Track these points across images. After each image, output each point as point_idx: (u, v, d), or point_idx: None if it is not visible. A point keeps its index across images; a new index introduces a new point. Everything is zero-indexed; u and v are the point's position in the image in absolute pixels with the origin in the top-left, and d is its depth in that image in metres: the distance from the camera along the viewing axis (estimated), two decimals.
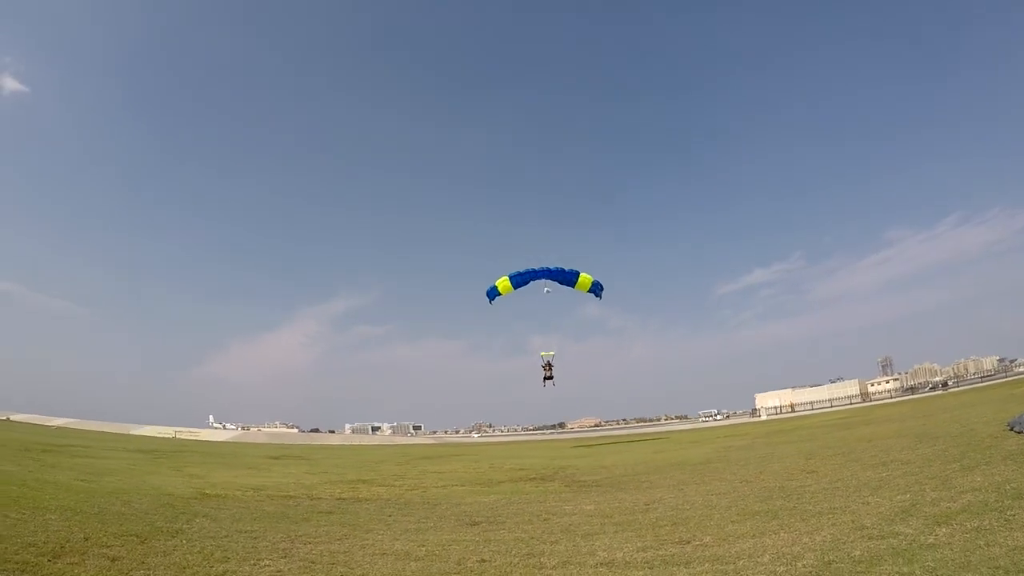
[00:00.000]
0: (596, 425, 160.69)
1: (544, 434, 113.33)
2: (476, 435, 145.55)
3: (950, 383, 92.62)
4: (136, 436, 62.83)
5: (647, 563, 6.89)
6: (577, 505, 12.58)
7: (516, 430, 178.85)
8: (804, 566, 6.17)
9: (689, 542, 7.95)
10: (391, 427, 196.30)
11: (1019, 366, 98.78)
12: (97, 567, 6.68)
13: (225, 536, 9.00)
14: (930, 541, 6.52)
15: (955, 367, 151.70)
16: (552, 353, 34.55)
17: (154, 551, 7.66)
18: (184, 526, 9.67)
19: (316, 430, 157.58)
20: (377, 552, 8.12)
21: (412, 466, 28.23)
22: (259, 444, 63.20)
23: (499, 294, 34.25)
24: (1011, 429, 14.90)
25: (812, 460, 17.12)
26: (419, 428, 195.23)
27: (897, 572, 5.61)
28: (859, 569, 5.83)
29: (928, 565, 5.69)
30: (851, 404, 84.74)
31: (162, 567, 6.89)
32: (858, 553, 6.41)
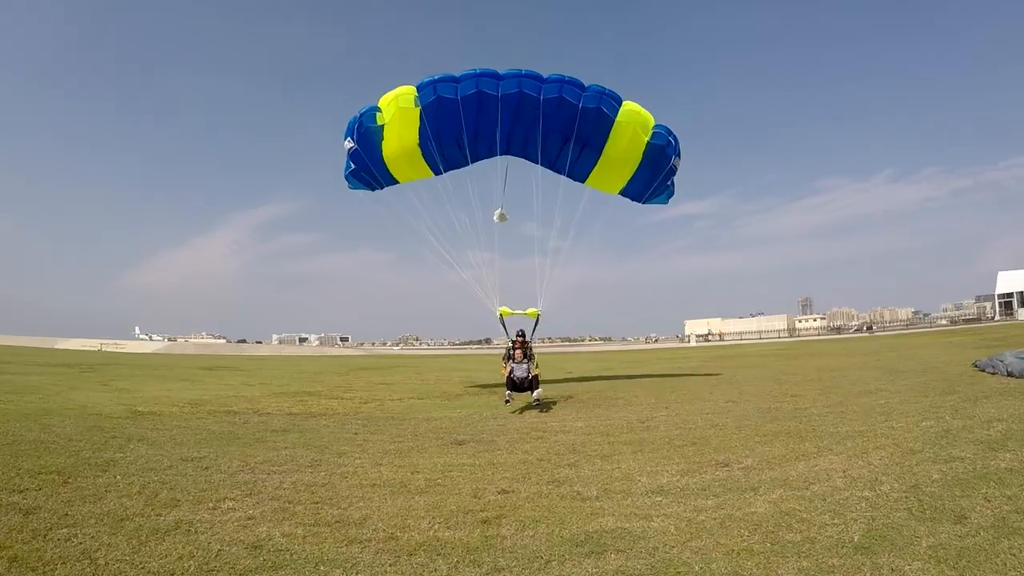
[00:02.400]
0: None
1: (472, 348, 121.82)
2: (397, 347, 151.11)
3: (874, 327, 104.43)
4: (60, 350, 63.13)
5: (704, 490, 6.65)
6: (564, 422, 12.47)
7: (443, 344, 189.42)
8: (891, 490, 6.19)
9: (728, 465, 7.88)
10: (318, 338, 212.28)
11: (940, 319, 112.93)
12: (6, 527, 5.23)
13: (168, 467, 7.93)
14: (1004, 466, 6.78)
15: (872, 313, 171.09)
16: (535, 313, 16.15)
17: (81, 495, 6.37)
18: (116, 455, 8.56)
19: (243, 341, 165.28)
20: (365, 483, 7.31)
21: (355, 377, 28.59)
22: (189, 355, 64.41)
23: (383, 166, 15.88)
24: (982, 370, 16.30)
25: (784, 385, 18.20)
26: (346, 340, 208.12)
27: (1003, 495, 5.72)
28: (955, 493, 5.89)
29: None
30: (779, 338, 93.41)
31: (92, 520, 5.53)
32: (938, 477, 6.52)
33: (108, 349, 74.50)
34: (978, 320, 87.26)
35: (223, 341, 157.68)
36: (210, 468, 7.99)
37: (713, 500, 6.21)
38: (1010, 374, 14.07)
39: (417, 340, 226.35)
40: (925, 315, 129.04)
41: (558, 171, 17.20)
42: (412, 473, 7.84)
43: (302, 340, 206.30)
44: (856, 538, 4.88)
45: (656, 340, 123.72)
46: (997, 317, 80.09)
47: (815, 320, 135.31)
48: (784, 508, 5.79)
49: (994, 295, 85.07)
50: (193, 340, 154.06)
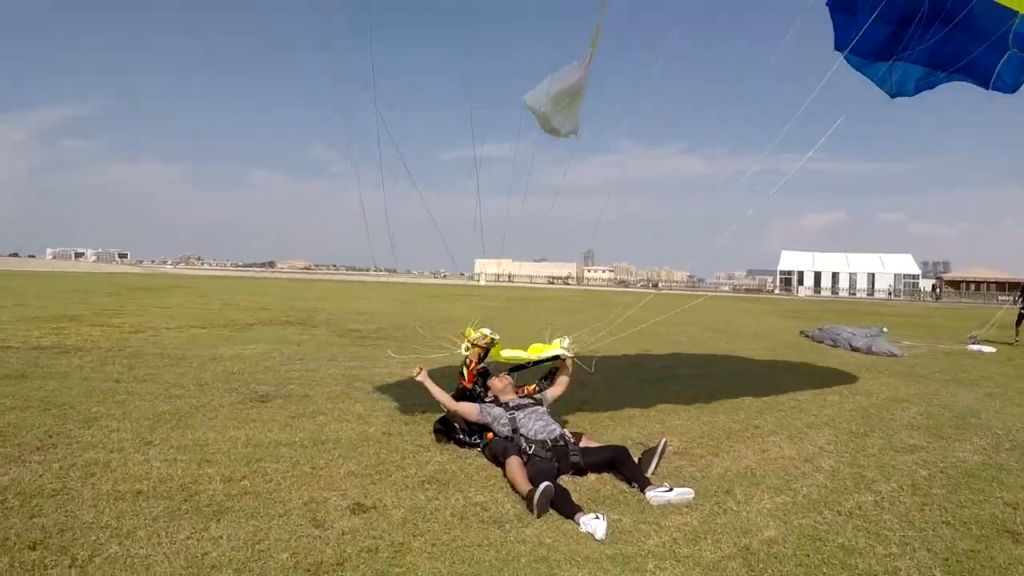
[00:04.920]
0: (306, 268, 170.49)
1: (254, 271, 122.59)
2: (172, 267, 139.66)
3: (660, 285, 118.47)
4: None
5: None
6: (387, 367, 10.31)
7: (225, 265, 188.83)
8: (893, 491, 5.09)
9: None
10: (96, 253, 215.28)
11: (722, 286, 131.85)
12: None
13: None
14: (978, 460, 6.15)
15: (649, 272, 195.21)
16: (558, 353, 6.79)
17: None
18: None
19: (15, 255, 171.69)
20: (124, 488, 4.49)
21: (128, 298, 25.87)
22: None
23: None
24: (819, 341, 17.49)
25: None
26: (125, 256, 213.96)
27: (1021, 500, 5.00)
28: (968, 498, 5.07)
29: None
30: (567, 285, 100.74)
31: None
32: (925, 473, 5.76)
33: None
34: (759, 291, 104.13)
35: None
36: None
37: (696, 516, 4.50)
38: (855, 349, 15.22)
39: (199, 260, 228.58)
40: (700, 280, 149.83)
41: None
42: (200, 465, 5.11)
43: (78, 255, 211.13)
44: None
45: (445, 276, 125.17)
46: (777, 291, 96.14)
47: (603, 272, 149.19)
48: (803, 531, 4.30)
49: (776, 271, 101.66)
50: None
